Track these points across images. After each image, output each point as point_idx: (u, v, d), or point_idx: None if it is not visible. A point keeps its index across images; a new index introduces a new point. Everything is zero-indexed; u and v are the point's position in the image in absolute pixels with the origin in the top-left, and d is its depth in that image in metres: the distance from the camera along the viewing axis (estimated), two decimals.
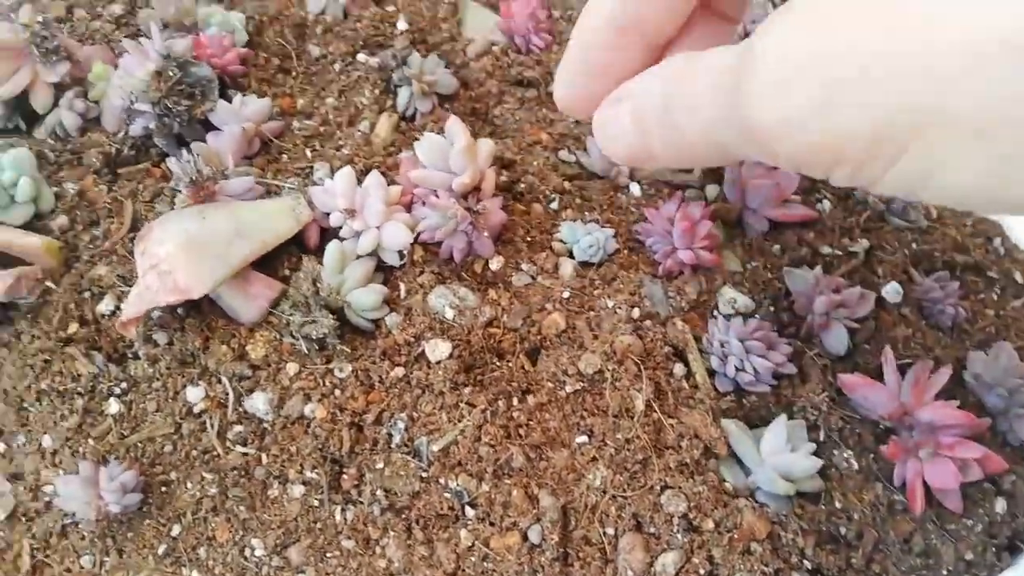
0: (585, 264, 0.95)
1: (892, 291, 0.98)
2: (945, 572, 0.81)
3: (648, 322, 0.90)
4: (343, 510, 0.80)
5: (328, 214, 0.91)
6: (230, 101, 0.98)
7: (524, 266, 0.94)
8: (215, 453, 0.81)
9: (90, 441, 0.81)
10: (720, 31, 0.66)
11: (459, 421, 0.82)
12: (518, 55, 1.15)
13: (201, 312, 0.87)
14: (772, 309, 0.94)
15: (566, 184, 1.01)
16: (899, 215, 1.05)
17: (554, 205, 1.00)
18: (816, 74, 0.43)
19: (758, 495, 0.83)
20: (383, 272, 0.92)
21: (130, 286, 0.88)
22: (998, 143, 0.39)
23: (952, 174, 0.42)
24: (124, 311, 0.82)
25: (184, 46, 0.95)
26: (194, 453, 0.81)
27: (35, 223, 0.92)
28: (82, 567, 0.78)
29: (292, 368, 0.84)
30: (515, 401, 0.85)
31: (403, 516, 0.80)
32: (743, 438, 0.83)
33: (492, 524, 0.79)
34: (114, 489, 0.75)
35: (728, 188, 1.03)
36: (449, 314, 0.88)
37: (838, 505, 0.83)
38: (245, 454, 0.81)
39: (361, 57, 1.09)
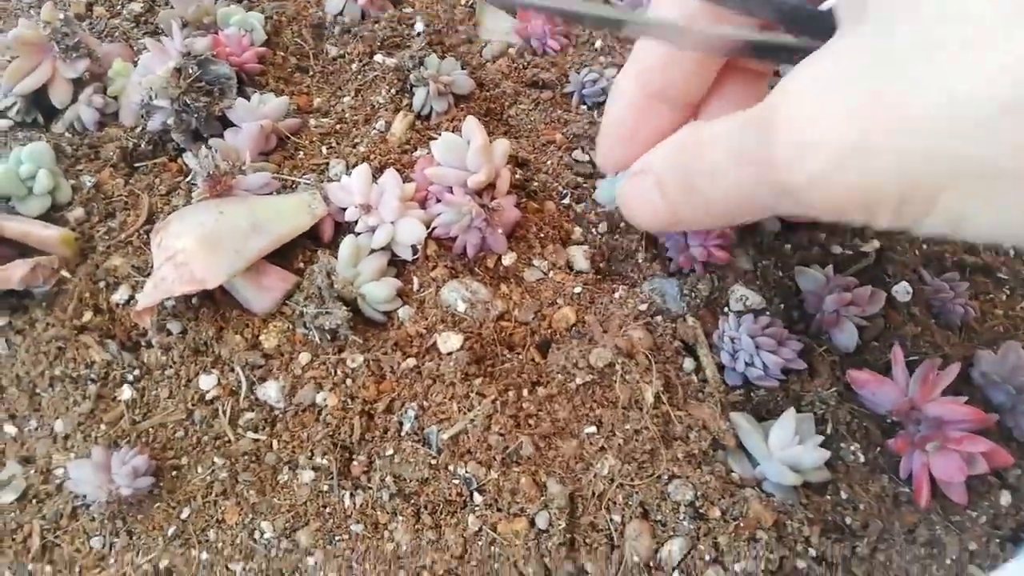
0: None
1: (902, 290, 1.02)
2: (949, 562, 0.84)
3: (659, 318, 0.94)
4: (352, 495, 0.83)
5: (343, 209, 0.96)
6: (248, 99, 1.03)
7: (536, 262, 0.98)
8: (226, 439, 0.85)
9: (102, 426, 0.86)
10: (751, 85, 0.69)
11: (469, 411, 0.86)
12: (534, 57, 1.20)
13: (215, 302, 0.91)
14: (783, 307, 0.98)
15: (580, 181, 1.05)
16: None
17: (567, 202, 1.04)
18: (845, 130, 0.45)
19: (765, 486, 0.86)
20: (396, 267, 0.96)
21: (145, 277, 0.93)
22: None
23: (987, 217, 0.44)
24: (140, 300, 0.86)
25: (204, 44, 1.00)
26: (205, 439, 0.85)
27: (52, 215, 0.97)
28: (92, 548, 0.82)
29: (304, 358, 0.89)
30: (525, 392, 0.89)
31: (412, 501, 0.83)
32: (751, 431, 0.87)
33: (500, 510, 0.82)
34: (126, 472, 0.79)
35: None
36: (461, 307, 0.92)
37: (844, 496, 0.86)
38: (256, 440, 0.85)
39: (378, 57, 1.15)
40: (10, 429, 0.87)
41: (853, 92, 0.45)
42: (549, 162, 1.08)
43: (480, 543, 0.81)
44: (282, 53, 1.14)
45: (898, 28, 0.44)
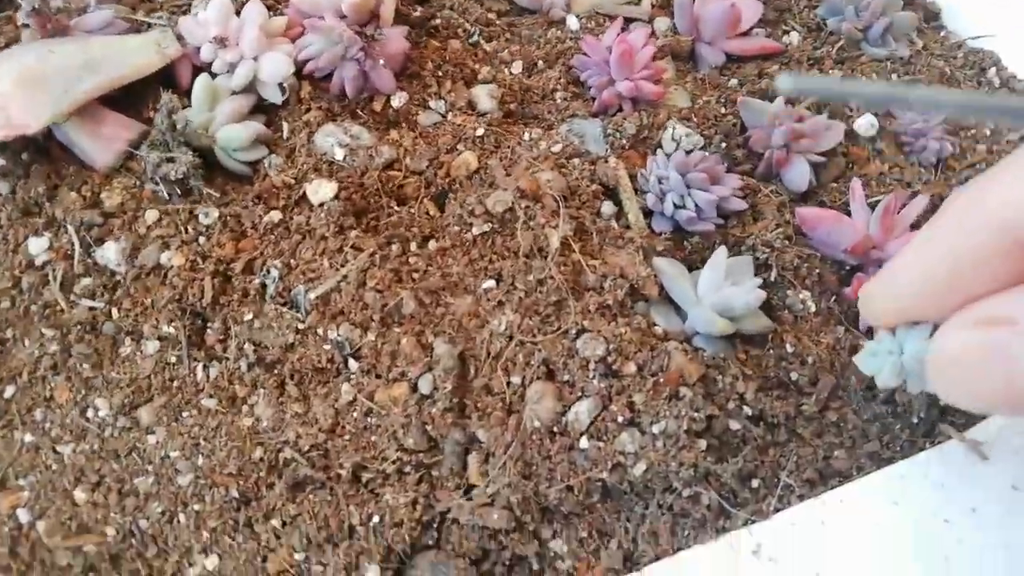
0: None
1: (866, 124, 0.91)
2: (916, 420, 0.73)
3: (575, 160, 0.84)
4: (205, 367, 0.74)
5: (201, 48, 0.85)
6: None
7: (432, 103, 0.88)
8: (58, 308, 0.76)
9: None
10: None
11: (342, 266, 0.76)
12: None
13: (50, 157, 0.82)
14: (724, 145, 0.87)
15: (491, 17, 0.94)
16: (877, 44, 0.97)
17: (476, 39, 0.93)
18: None
19: (696, 341, 0.76)
20: (265, 113, 0.86)
21: None
22: None
23: None
24: None
25: None
26: (34, 308, 0.76)
27: None
28: None
29: (151, 216, 0.79)
30: (413, 246, 0.79)
31: (275, 371, 0.74)
32: (678, 277, 0.77)
33: (378, 376, 0.73)
34: None
35: (679, 18, 0.97)
36: (339, 154, 0.82)
37: (790, 349, 0.76)
38: (92, 308, 0.76)
39: None
40: None
41: None
42: None
43: (354, 415, 0.72)
44: None
45: None
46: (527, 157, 0.83)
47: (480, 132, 0.85)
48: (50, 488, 0.70)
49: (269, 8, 0.88)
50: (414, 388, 0.72)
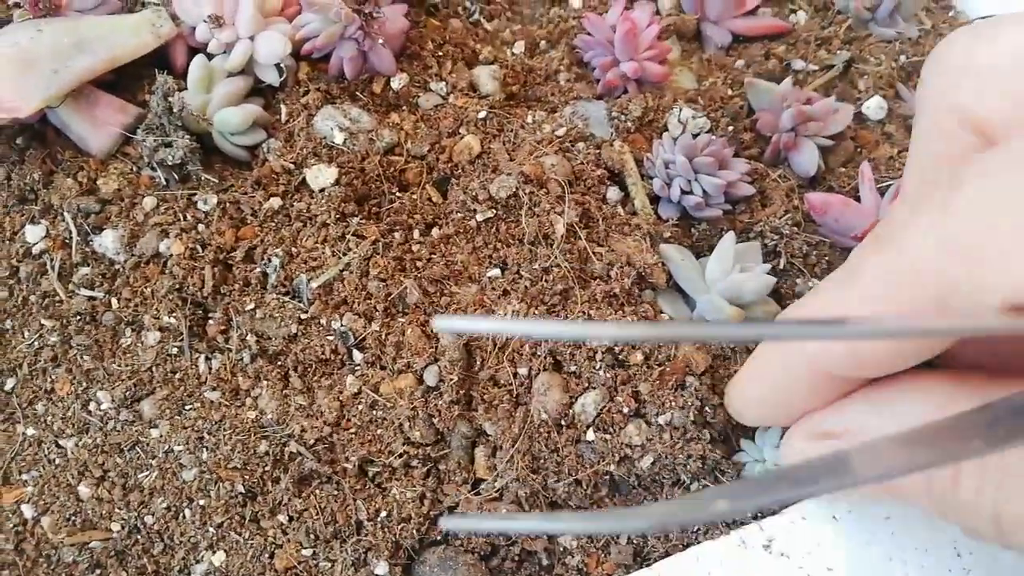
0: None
1: (874, 106, 0.89)
2: None
3: (580, 144, 0.82)
4: (208, 358, 0.73)
5: (196, 28, 0.83)
6: None
7: (433, 85, 0.85)
8: (56, 298, 0.74)
9: None
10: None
11: (345, 255, 0.74)
12: None
13: (45, 143, 0.79)
14: (731, 129, 0.85)
15: None
16: (885, 24, 0.95)
17: (477, 18, 0.91)
18: None
19: None
20: (263, 96, 0.83)
21: None
22: None
23: None
24: None
25: None
26: (32, 298, 0.74)
27: None
28: None
29: (149, 203, 0.77)
30: (416, 234, 0.77)
31: (278, 363, 0.73)
32: (686, 264, 0.75)
33: (383, 368, 0.72)
34: None
35: None
36: (338, 138, 0.80)
37: None
38: (92, 298, 0.74)
39: None
40: None
41: None
42: None
43: (360, 407, 0.71)
44: None
45: None
46: (531, 141, 0.81)
47: (482, 115, 0.83)
48: (54, 483, 0.69)
49: None
50: (420, 379, 0.71)
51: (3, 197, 0.77)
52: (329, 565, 0.66)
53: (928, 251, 0.44)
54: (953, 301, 0.43)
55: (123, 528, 0.68)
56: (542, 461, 0.69)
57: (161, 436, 0.70)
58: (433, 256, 0.76)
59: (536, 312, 0.72)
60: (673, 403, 0.68)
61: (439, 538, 0.69)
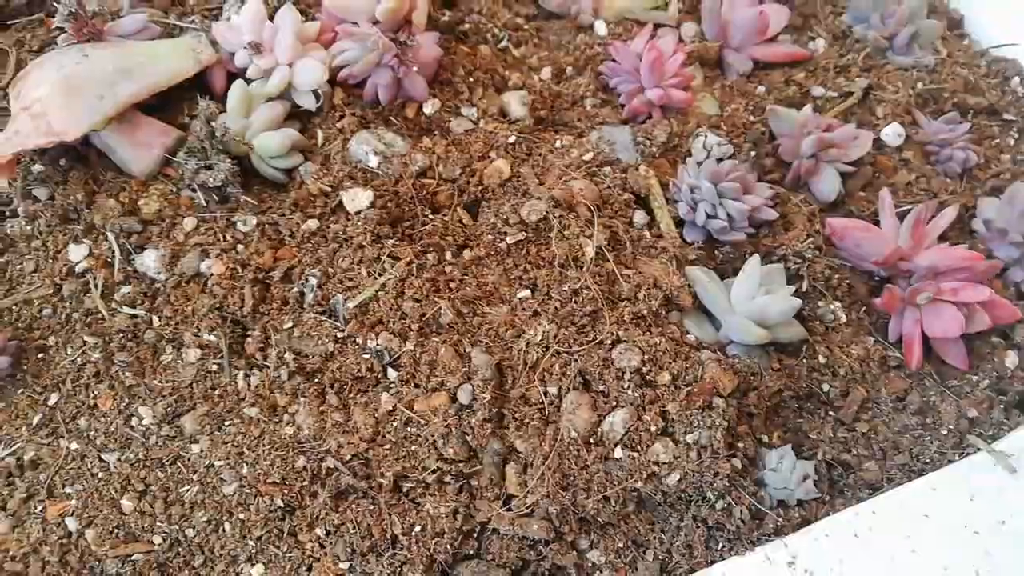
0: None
1: (892, 133, 0.90)
2: (945, 432, 0.74)
3: (607, 168, 0.83)
4: (246, 375, 0.74)
5: (235, 54, 0.84)
6: None
7: (464, 110, 0.87)
8: (99, 315, 0.76)
9: None
10: None
11: (380, 275, 0.75)
12: None
13: (88, 164, 0.81)
14: (753, 154, 0.87)
15: (519, 21, 0.93)
16: (903, 52, 0.96)
17: (503, 44, 0.92)
18: None
19: (730, 349, 0.76)
20: (299, 120, 0.85)
21: None
22: None
23: None
24: None
25: None
26: (75, 316, 0.76)
27: None
28: None
29: (189, 223, 0.79)
30: (448, 255, 0.79)
31: (315, 380, 0.74)
32: (711, 286, 0.77)
33: (417, 386, 0.73)
34: None
35: (707, 24, 0.96)
36: (373, 161, 0.81)
37: (822, 360, 0.77)
38: (133, 316, 0.75)
39: None
40: None
41: None
42: (482, 0, 0.95)
43: (394, 424, 0.72)
44: None
45: None
46: (559, 165, 0.82)
47: (512, 139, 0.84)
48: (97, 496, 0.70)
49: (301, 12, 0.87)
50: (453, 398, 0.72)
51: (47, 217, 0.78)
52: None
53: None
54: None
55: (164, 541, 0.69)
56: (572, 478, 0.70)
57: (202, 451, 0.71)
58: (465, 277, 0.77)
59: (566, 332, 0.73)
60: (700, 423, 0.70)
61: (472, 552, 0.70)
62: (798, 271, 0.80)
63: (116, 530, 0.69)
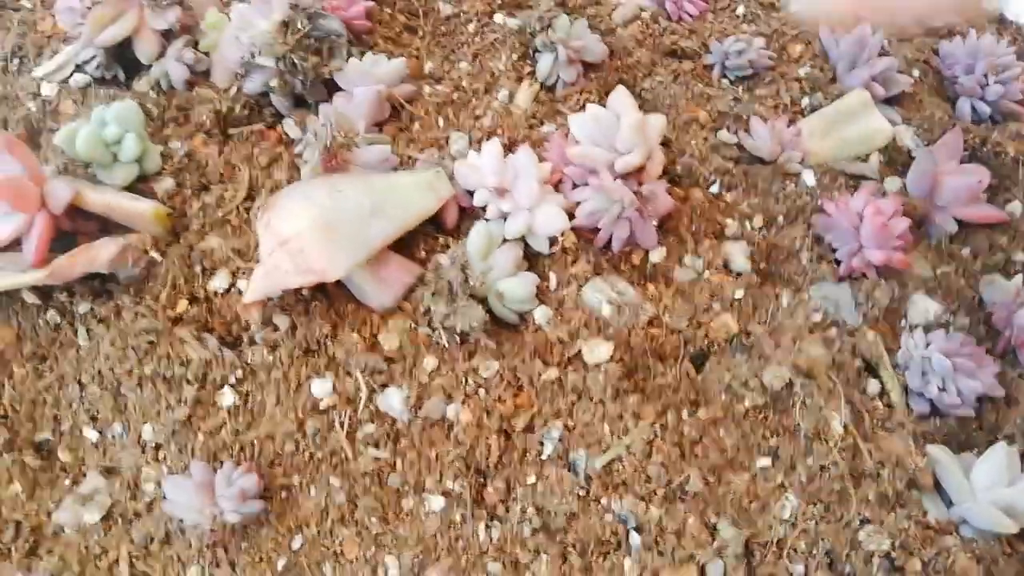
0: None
1: None
2: None
3: (833, 330, 0.83)
4: (487, 527, 0.73)
5: (470, 192, 0.85)
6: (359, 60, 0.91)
7: (688, 260, 0.87)
8: (343, 455, 0.75)
9: (200, 436, 0.75)
10: None
11: (624, 434, 0.75)
12: (669, 23, 1.08)
13: (328, 295, 0.81)
14: (967, 321, 0.86)
15: (728, 166, 0.94)
16: None
17: (715, 190, 0.92)
18: None
19: (963, 530, 0.75)
20: (528, 260, 0.85)
21: (246, 261, 0.82)
22: None
23: None
24: (249, 291, 0.76)
25: None
26: (319, 455, 0.75)
27: (138, 186, 0.86)
28: None
29: (430, 363, 0.78)
30: (684, 415, 0.78)
31: (557, 539, 0.73)
32: (951, 467, 0.76)
33: (661, 554, 0.72)
34: (232, 495, 0.69)
35: (915, 183, 0.95)
36: (606, 310, 0.81)
37: None
38: (377, 459, 0.74)
39: (498, 18, 1.03)
40: (91, 434, 0.77)
41: None
42: (693, 143, 0.96)
43: None
44: (389, 10, 1.02)
45: None
46: (791, 326, 0.82)
47: (739, 295, 0.84)
48: None
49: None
50: (702, 572, 0.71)
51: (288, 347, 0.78)
52: None
53: None
54: None
55: None
56: None
57: None
58: (703, 440, 0.76)
59: (813, 509, 0.72)
60: None
61: None
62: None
63: None
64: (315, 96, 0.90)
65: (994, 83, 1.03)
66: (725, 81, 1.05)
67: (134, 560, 0.72)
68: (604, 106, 0.86)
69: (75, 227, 0.82)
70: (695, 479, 0.73)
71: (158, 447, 0.76)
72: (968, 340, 0.82)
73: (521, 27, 0.98)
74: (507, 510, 0.74)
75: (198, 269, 0.82)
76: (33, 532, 0.74)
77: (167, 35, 0.92)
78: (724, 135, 0.97)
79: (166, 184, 0.86)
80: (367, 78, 0.89)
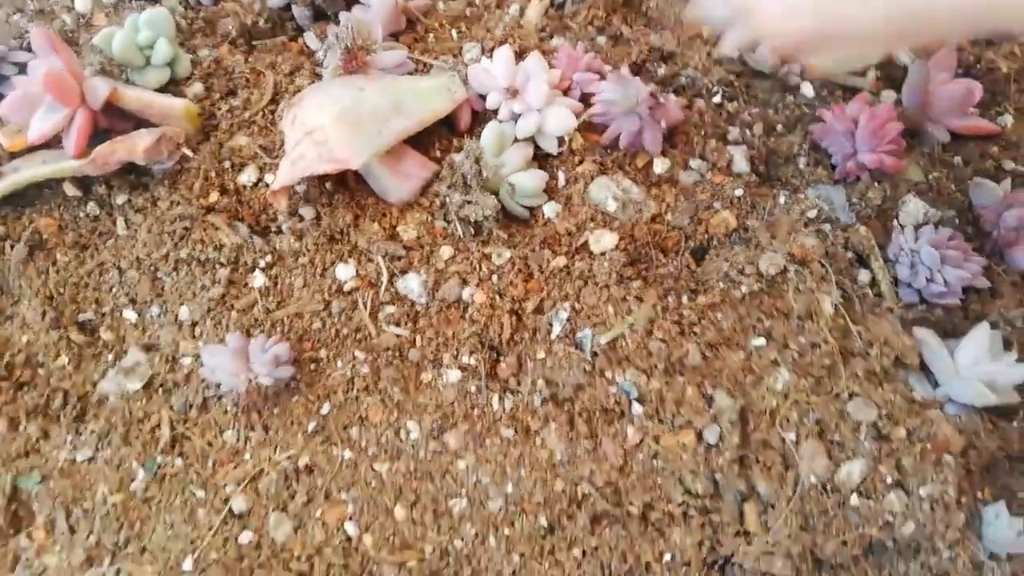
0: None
1: None
2: None
3: (827, 225, 0.87)
4: (501, 398, 0.78)
5: (482, 96, 0.89)
6: None
7: (693, 163, 0.91)
8: (367, 332, 0.80)
9: (233, 313, 0.81)
10: None
11: (627, 315, 0.80)
12: None
13: (349, 189, 0.86)
14: (956, 222, 0.91)
15: (731, 78, 0.98)
16: None
17: (717, 100, 0.97)
18: None
19: (948, 408, 0.80)
20: (538, 160, 0.90)
21: (273, 158, 0.87)
22: None
23: None
24: (277, 178, 0.81)
25: None
26: (344, 331, 0.80)
27: (170, 89, 0.91)
28: (225, 442, 0.77)
29: (446, 252, 0.83)
30: (684, 299, 0.83)
31: (565, 408, 0.78)
32: (938, 349, 0.81)
33: (662, 422, 0.77)
34: (266, 360, 0.74)
35: (909, 94, 0.99)
36: (612, 206, 0.86)
37: None
38: (398, 335, 0.80)
39: None
40: (130, 315, 0.83)
41: None
42: (696, 57, 1.00)
43: (641, 455, 0.76)
44: None
45: None
46: (787, 220, 0.86)
47: (739, 193, 0.88)
48: (372, 504, 0.74)
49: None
50: (700, 437, 0.76)
51: (314, 235, 0.83)
52: None
53: None
54: None
55: (435, 550, 0.73)
56: (811, 521, 0.74)
57: (468, 467, 0.75)
58: (702, 322, 0.81)
59: (805, 383, 0.77)
60: (934, 477, 0.74)
61: None
62: (1007, 338, 0.84)
63: (391, 537, 0.73)
64: (334, 9, 0.94)
65: None
66: None
67: (174, 424, 0.77)
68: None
69: (111, 125, 0.86)
70: (694, 353, 0.78)
71: (194, 324, 0.81)
72: (956, 235, 0.86)
73: None
74: (519, 383, 0.79)
75: (227, 165, 0.87)
76: (80, 400, 0.79)
77: None
78: (726, 49, 1.01)
79: (195, 88, 0.91)
80: None
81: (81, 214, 0.86)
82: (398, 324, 0.80)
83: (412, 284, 0.81)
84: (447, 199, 0.83)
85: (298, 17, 0.96)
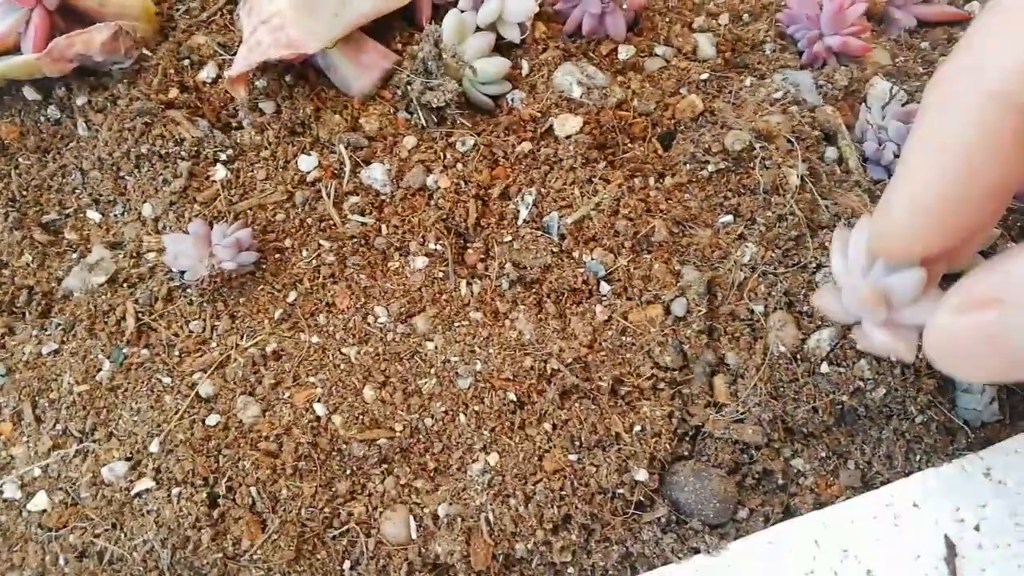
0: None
1: None
2: None
3: (795, 107, 0.86)
4: (468, 283, 0.77)
5: None
6: None
7: (659, 49, 0.90)
8: (331, 222, 0.79)
9: (196, 206, 0.79)
10: None
11: (593, 195, 0.78)
12: None
13: (309, 82, 0.84)
14: None
15: None
16: None
17: None
18: None
19: None
20: (501, 52, 0.88)
21: (231, 55, 0.85)
22: None
23: None
24: (234, 65, 0.79)
25: None
26: (309, 221, 0.79)
27: None
28: (191, 332, 0.76)
29: (410, 141, 0.82)
30: (651, 180, 0.81)
31: (533, 290, 0.77)
32: None
33: (630, 299, 0.76)
34: (228, 245, 0.73)
35: None
36: (576, 92, 0.84)
37: None
38: (363, 224, 0.78)
39: None
40: (94, 215, 0.81)
41: None
42: None
43: (609, 332, 0.75)
44: None
45: None
46: (753, 101, 0.85)
47: (704, 76, 0.87)
48: (340, 385, 0.73)
49: None
50: (667, 310, 0.75)
51: (275, 128, 0.81)
52: (594, 469, 0.71)
53: None
54: None
55: (405, 429, 0.72)
56: (781, 389, 0.73)
57: (436, 348, 0.74)
58: (669, 201, 0.80)
59: (772, 255, 0.76)
60: None
61: (686, 453, 0.74)
62: None
63: (360, 416, 0.72)
64: None
65: None
66: None
67: (140, 316, 0.76)
68: None
69: (68, 28, 0.84)
70: (660, 230, 0.77)
71: (157, 219, 0.79)
72: None
73: None
74: (486, 268, 0.78)
75: (186, 63, 0.85)
76: (45, 297, 0.78)
77: None
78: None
79: None
80: None
81: (42, 118, 0.84)
82: (363, 213, 0.79)
83: (376, 173, 0.79)
84: (408, 86, 0.81)
85: None
